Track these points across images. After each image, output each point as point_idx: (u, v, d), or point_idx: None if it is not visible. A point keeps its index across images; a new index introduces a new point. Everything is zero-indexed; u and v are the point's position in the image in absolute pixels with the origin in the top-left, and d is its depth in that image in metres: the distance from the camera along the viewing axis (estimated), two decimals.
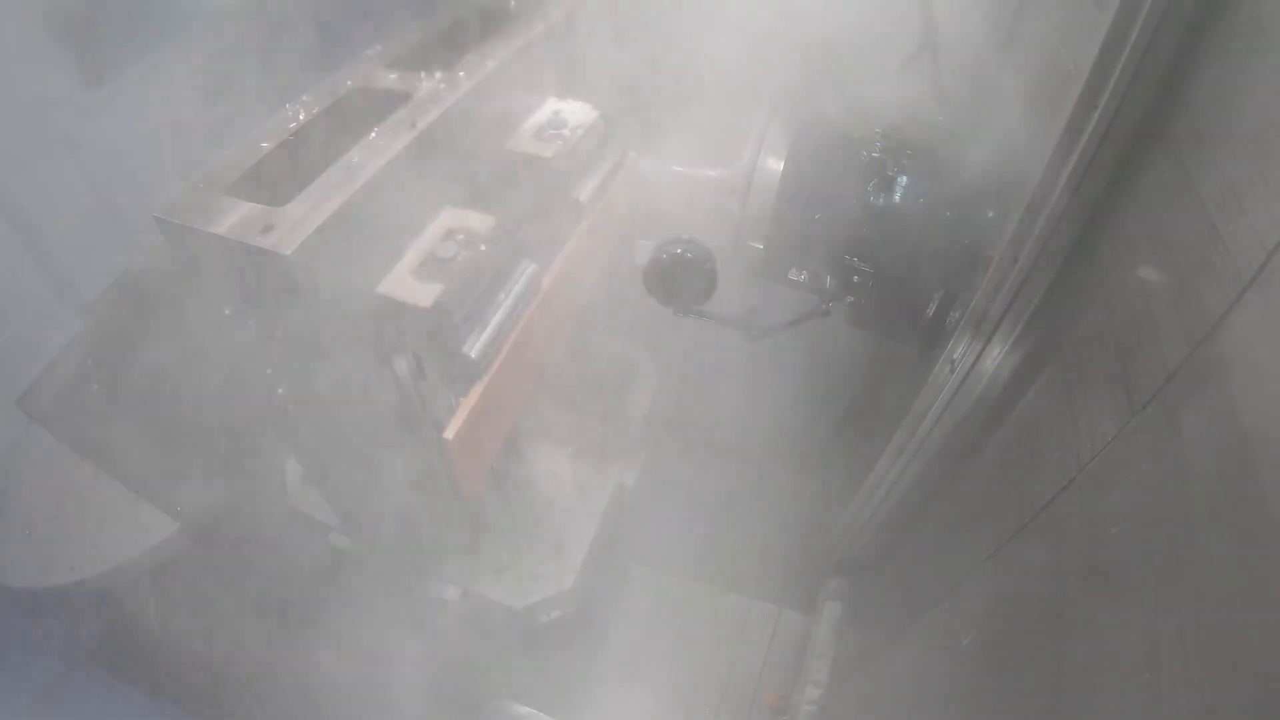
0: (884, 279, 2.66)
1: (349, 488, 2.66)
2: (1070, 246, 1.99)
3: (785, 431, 5.10)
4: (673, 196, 2.88)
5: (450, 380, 2.27)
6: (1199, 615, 1.23)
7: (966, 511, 2.55)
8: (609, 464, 3.58)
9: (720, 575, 4.68)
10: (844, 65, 3.51)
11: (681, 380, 4.64)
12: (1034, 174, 2.00)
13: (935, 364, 2.65)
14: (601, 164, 2.69)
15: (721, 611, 4.57)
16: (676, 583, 4.65)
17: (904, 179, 2.58)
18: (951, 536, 2.67)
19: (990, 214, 2.49)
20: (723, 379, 4.92)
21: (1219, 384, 1.32)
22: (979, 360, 2.40)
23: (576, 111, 2.64)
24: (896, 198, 2.58)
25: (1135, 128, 1.75)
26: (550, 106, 2.67)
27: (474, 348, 2.08)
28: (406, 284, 2.00)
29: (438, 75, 2.23)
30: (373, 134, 1.97)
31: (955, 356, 2.49)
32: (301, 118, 2.06)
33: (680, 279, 2.71)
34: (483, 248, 2.08)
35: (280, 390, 2.17)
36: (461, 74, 2.24)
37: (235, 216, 1.72)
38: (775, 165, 2.66)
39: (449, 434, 2.10)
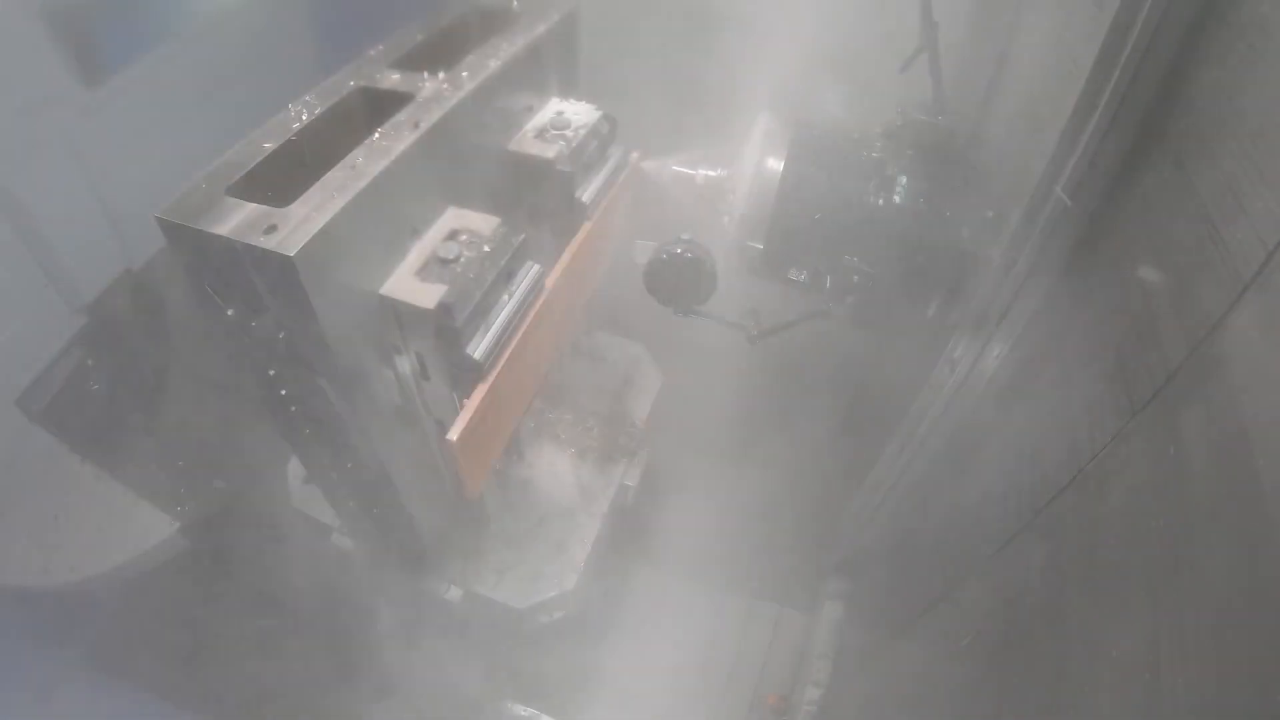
0: (884, 279, 2.66)
1: (352, 489, 2.65)
2: (1070, 246, 1.99)
3: (786, 431, 5.11)
4: (673, 196, 2.88)
5: (454, 381, 2.26)
6: (1199, 615, 1.23)
7: (967, 511, 2.55)
8: (611, 464, 3.58)
9: (721, 575, 4.68)
10: (844, 65, 3.52)
11: (683, 380, 4.64)
12: (1034, 174, 2.01)
13: (935, 364, 2.66)
14: (604, 164, 2.69)
15: (722, 611, 4.57)
16: (677, 583, 4.65)
17: (904, 179, 2.58)
18: (952, 536, 2.67)
19: (990, 214, 2.49)
20: (724, 379, 4.93)
21: (1219, 384, 1.32)
22: (979, 360, 2.41)
23: (579, 112, 2.64)
24: (896, 197, 2.58)
25: (1135, 128, 1.75)
26: (553, 107, 2.67)
27: (478, 348, 2.07)
28: (410, 285, 1.99)
29: (441, 75, 2.22)
30: (376, 134, 1.96)
31: (955, 356, 2.50)
32: (304, 118, 2.05)
33: (680, 279, 2.71)
34: (486, 248, 2.07)
35: (283, 391, 2.17)
36: (464, 74, 2.23)
37: (238, 217, 1.70)
38: (775, 165, 2.66)
39: (453, 435, 2.09)
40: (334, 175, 1.82)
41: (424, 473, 2.61)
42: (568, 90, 2.78)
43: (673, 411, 4.67)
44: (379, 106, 2.14)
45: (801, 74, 3.54)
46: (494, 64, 2.30)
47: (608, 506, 3.42)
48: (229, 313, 1.89)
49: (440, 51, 2.43)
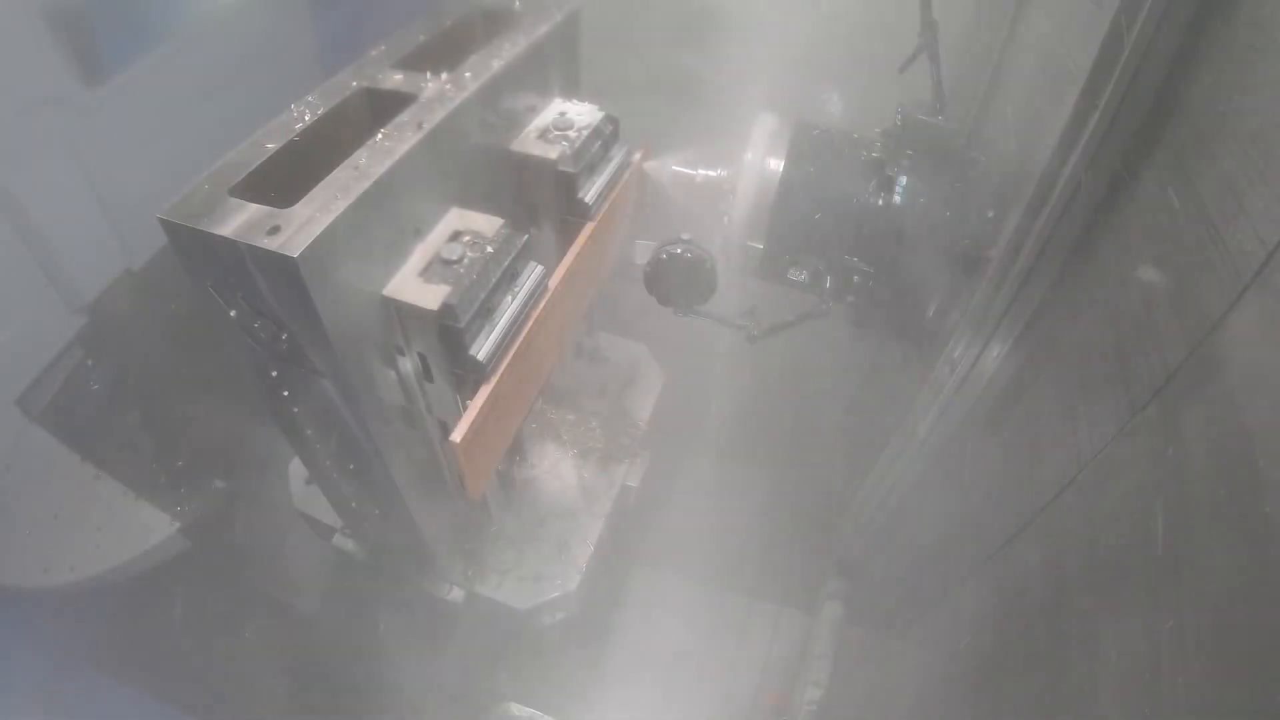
0: (884, 279, 2.66)
1: (354, 490, 2.65)
2: (1070, 246, 1.99)
3: (786, 431, 5.11)
4: (672, 196, 2.88)
5: (457, 382, 2.26)
6: (1199, 616, 1.23)
7: (967, 512, 2.55)
8: (614, 465, 3.58)
9: (721, 575, 4.69)
10: (843, 65, 3.52)
11: (685, 381, 4.64)
12: (1033, 174, 2.01)
13: (935, 364, 2.66)
14: (607, 165, 2.69)
15: (722, 611, 4.58)
16: (678, 583, 4.65)
17: (904, 179, 2.58)
18: (952, 536, 2.67)
19: (990, 214, 2.50)
20: (725, 379, 4.93)
21: (1219, 384, 1.32)
22: (979, 360, 2.41)
23: (582, 112, 2.64)
24: (896, 198, 2.57)
25: (1135, 127, 1.75)
26: (556, 107, 2.67)
27: (481, 350, 2.07)
28: (413, 286, 1.99)
29: (443, 76, 2.22)
30: (379, 135, 1.96)
31: (955, 356, 2.50)
32: (307, 118, 2.04)
33: (680, 279, 2.71)
34: (489, 249, 2.07)
35: (286, 393, 2.17)
36: (467, 75, 2.23)
37: (241, 218, 1.70)
38: (775, 165, 2.66)
39: (456, 436, 2.09)
40: (337, 176, 1.81)
41: (426, 474, 2.60)
42: (570, 91, 2.78)
43: (675, 412, 4.68)
44: (382, 107, 2.14)
45: (801, 74, 3.55)
46: (497, 64, 2.30)
47: (610, 507, 3.42)
48: (231, 314, 1.88)
49: (443, 52, 2.43)
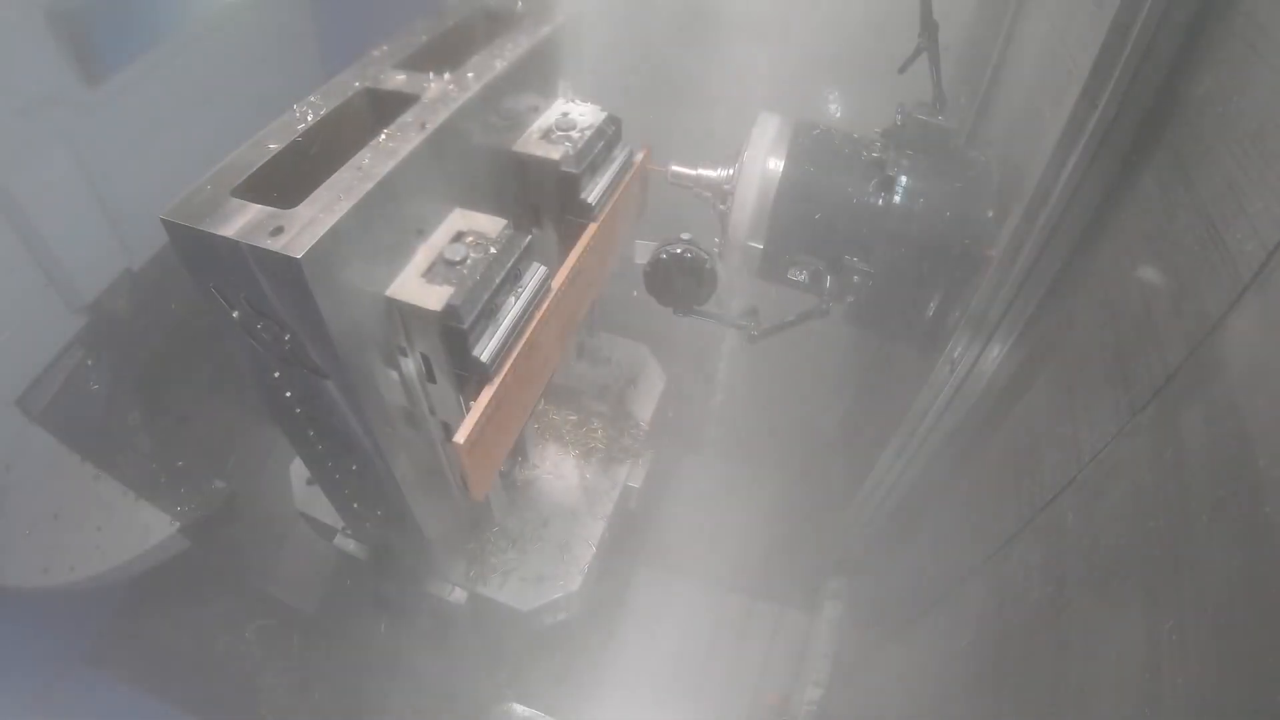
0: (884, 279, 2.66)
1: (356, 491, 2.65)
2: (1070, 246, 1.99)
3: (786, 431, 5.12)
4: (673, 196, 2.88)
5: (460, 384, 2.26)
6: (1199, 616, 1.24)
7: (966, 511, 2.56)
8: (615, 466, 3.58)
9: (722, 575, 4.69)
10: (843, 65, 3.52)
11: (686, 381, 4.65)
12: (1033, 174, 2.01)
13: (935, 364, 2.66)
14: (610, 165, 2.69)
15: (723, 611, 4.58)
16: (680, 583, 4.66)
17: (904, 179, 2.58)
18: (951, 536, 2.67)
19: (990, 213, 2.50)
20: (725, 379, 4.94)
21: (1219, 384, 1.33)
22: (979, 360, 2.42)
23: (585, 113, 2.64)
24: (896, 198, 2.57)
25: (1135, 127, 1.75)
26: (559, 108, 2.67)
27: (484, 351, 2.06)
28: (416, 287, 1.98)
29: (446, 76, 2.22)
30: (382, 135, 1.96)
31: (955, 356, 2.50)
32: (309, 119, 2.04)
33: (680, 279, 2.71)
34: (492, 250, 2.07)
35: (288, 393, 2.16)
36: (470, 75, 2.23)
37: (244, 219, 1.69)
38: (775, 165, 2.66)
39: (459, 438, 2.08)
40: (340, 176, 1.81)
41: (429, 475, 2.60)
42: (573, 91, 2.78)
43: (676, 412, 4.68)
44: (384, 107, 2.13)
45: (802, 74, 3.55)
46: (499, 65, 2.30)
47: (612, 508, 3.42)
48: (234, 315, 1.87)
49: (445, 52, 2.43)
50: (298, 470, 3.35)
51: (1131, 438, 1.58)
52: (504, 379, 2.16)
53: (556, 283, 2.33)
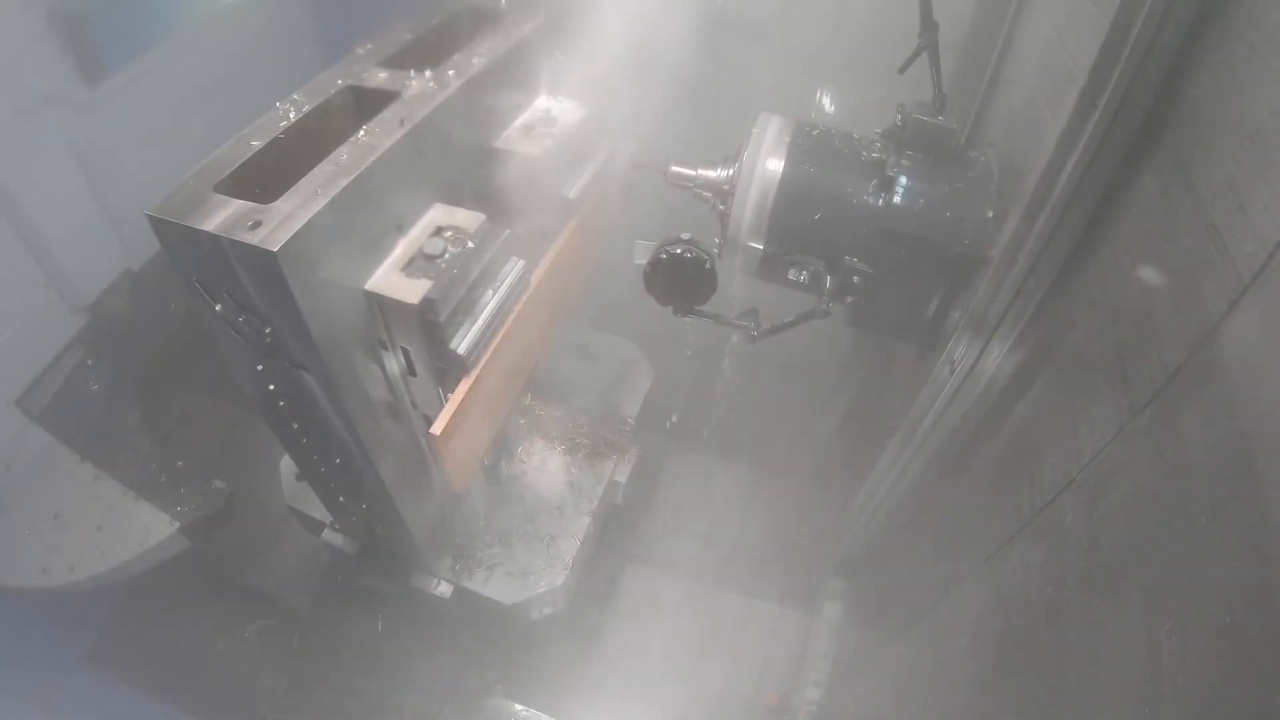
0: (884, 279, 2.63)
1: (341, 484, 2.66)
2: (1069, 247, 1.97)
3: (785, 430, 5.10)
4: (672, 196, 2.87)
5: (439, 376, 2.27)
6: (1199, 617, 1.22)
7: (966, 512, 2.54)
8: (601, 461, 3.59)
9: (720, 574, 4.68)
10: (843, 65, 3.50)
11: (680, 378, 4.64)
12: (1033, 174, 1.99)
13: (935, 364, 2.64)
14: (591, 161, 2.69)
15: (721, 611, 4.57)
16: (675, 581, 4.65)
17: (904, 179, 2.55)
18: (951, 536, 2.65)
19: (990, 214, 2.47)
20: (721, 377, 4.92)
21: (1219, 385, 1.31)
22: (979, 361, 2.39)
23: (566, 110, 2.64)
24: (896, 198, 2.55)
25: (1135, 128, 1.73)
26: (540, 105, 2.67)
27: (462, 344, 2.10)
28: (394, 280, 2.02)
29: (427, 74, 2.23)
30: (361, 132, 1.97)
31: (955, 357, 2.48)
32: (292, 116, 2.07)
33: (680, 280, 2.69)
34: (471, 244, 2.09)
35: (271, 386, 2.17)
36: (451, 73, 2.24)
37: (225, 213, 1.73)
38: (775, 165, 2.64)
39: (436, 429, 2.11)
40: (318, 172, 1.85)
41: (412, 468, 2.62)
42: (556, 88, 2.78)
43: (670, 410, 4.68)
44: (366, 104, 2.17)
45: (802, 74, 3.53)
46: (480, 62, 2.33)
47: (598, 503, 3.44)
48: (217, 308, 1.90)
49: (428, 50, 2.45)
50: (287, 466, 3.36)
51: (1131, 438, 1.56)
52: (482, 372, 2.18)
53: (536, 278, 2.34)
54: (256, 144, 1.96)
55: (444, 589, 3.17)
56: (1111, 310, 1.76)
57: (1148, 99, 1.69)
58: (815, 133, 2.74)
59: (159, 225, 1.75)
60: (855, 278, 2.65)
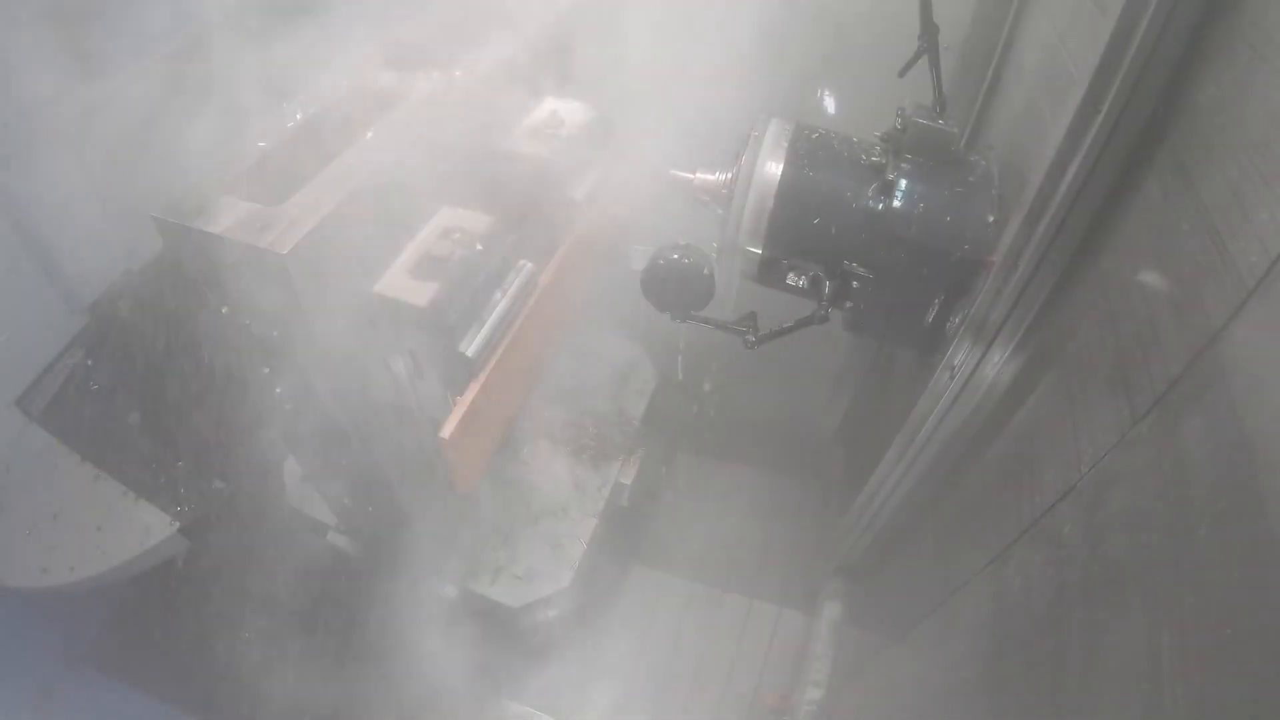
0: (883, 285, 2.61)
1: (347, 486, 2.65)
2: (1071, 253, 1.97)
3: (787, 430, 5.10)
4: (669, 200, 2.86)
5: (447, 378, 2.27)
6: (1201, 627, 1.21)
7: (966, 517, 2.53)
8: (607, 463, 3.58)
9: (721, 575, 4.68)
10: (843, 68, 3.48)
11: (682, 379, 4.63)
12: (1035, 179, 1.98)
13: (935, 369, 2.63)
14: (598, 163, 2.69)
15: (721, 611, 4.56)
16: (676, 582, 4.65)
17: (904, 183, 2.53)
18: (951, 541, 2.65)
19: (990, 218, 2.45)
20: (723, 378, 4.91)
21: (1221, 393, 1.30)
22: (979, 366, 2.38)
23: (573, 111, 2.64)
24: (896, 202, 2.52)
25: (1138, 133, 1.72)
26: (547, 106, 2.67)
27: (470, 346, 2.09)
28: (403, 283, 2.01)
29: (434, 75, 2.23)
30: (369, 134, 1.97)
31: (955, 363, 2.47)
32: (299, 117, 2.06)
33: (677, 286, 2.66)
34: (479, 247, 2.09)
35: (278, 389, 2.17)
36: (458, 74, 2.24)
37: (233, 216, 1.72)
38: (774, 168, 2.61)
39: (444, 432, 2.11)
40: (327, 174, 1.84)
41: (418, 471, 2.61)
42: (562, 90, 2.78)
43: (673, 410, 4.66)
44: (373, 106, 2.15)
45: (801, 76, 3.51)
46: (487, 64, 2.31)
47: (603, 505, 3.43)
48: (223, 311, 1.89)
49: (434, 51, 2.43)
50: (291, 467, 3.35)
51: (1132, 446, 1.55)
52: (490, 374, 2.18)
53: (544, 279, 2.34)
54: (263, 145, 1.97)
55: (450, 591, 3.17)
56: (1112, 317, 1.75)
57: (1150, 104, 1.68)
58: (814, 136, 2.71)
59: (165, 227, 1.75)
60: (854, 283, 2.63)
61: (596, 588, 3.83)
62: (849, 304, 2.72)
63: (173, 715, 4.17)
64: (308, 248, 1.69)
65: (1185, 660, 1.22)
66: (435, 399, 2.34)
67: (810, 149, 2.65)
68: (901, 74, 2.60)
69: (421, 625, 3.71)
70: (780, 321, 2.77)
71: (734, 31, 2.82)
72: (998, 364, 2.34)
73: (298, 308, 1.77)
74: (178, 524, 4.15)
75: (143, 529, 4.08)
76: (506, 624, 3.27)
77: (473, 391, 2.16)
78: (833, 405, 4.85)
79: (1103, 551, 1.58)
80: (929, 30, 2.50)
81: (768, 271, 2.75)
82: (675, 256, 2.64)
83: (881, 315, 2.75)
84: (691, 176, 2.77)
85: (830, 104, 3.79)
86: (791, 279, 2.71)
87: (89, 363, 4.12)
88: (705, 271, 2.65)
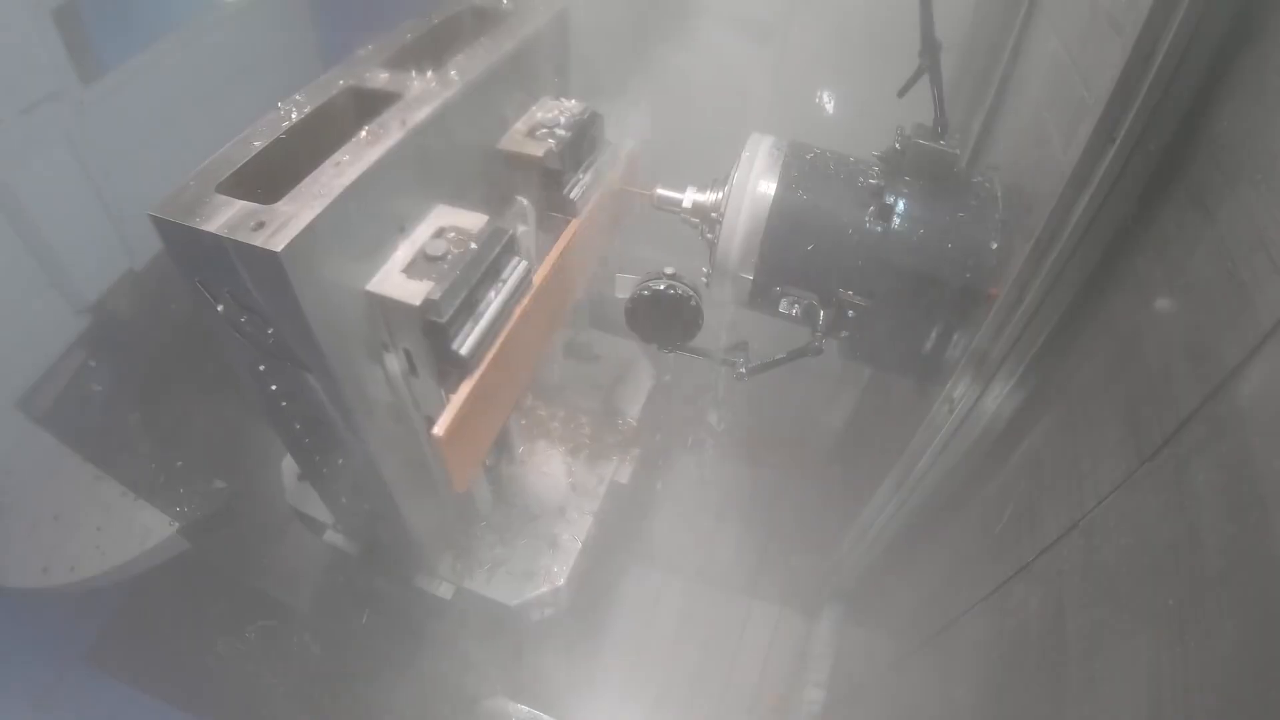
0: (880, 314, 2.51)
1: (343, 485, 2.66)
2: (1079, 286, 1.90)
3: (787, 431, 5.08)
4: (656, 223, 2.80)
5: (441, 377, 2.28)
6: (1205, 680, 1.18)
7: (964, 549, 2.49)
8: (603, 462, 3.59)
9: (720, 575, 4.69)
10: (841, 85, 3.42)
11: (680, 379, 4.62)
12: (1044, 209, 1.91)
13: (934, 398, 2.55)
14: (593, 162, 2.69)
15: (722, 611, 4.56)
16: (676, 582, 4.65)
17: (903, 207, 2.43)
18: (948, 574, 2.61)
19: (994, 245, 2.35)
20: (722, 380, 4.88)
21: (1233, 437, 1.26)
22: (979, 400, 2.31)
23: (568, 110, 2.63)
24: (894, 227, 2.42)
25: (1155, 163, 1.65)
26: (543, 105, 2.67)
27: (464, 345, 2.11)
28: (397, 281, 2.03)
29: (429, 74, 2.25)
30: (363, 132, 1.98)
31: (955, 396, 2.39)
32: (294, 116, 2.09)
33: (663, 317, 2.59)
34: (473, 246, 2.10)
35: (273, 387, 2.19)
36: (453, 73, 2.25)
37: (227, 214, 1.74)
38: (766, 189, 2.51)
39: (439, 430, 2.13)
40: (320, 173, 1.86)
41: (414, 469, 2.62)
42: (558, 89, 2.79)
43: (675, 411, 4.65)
44: (368, 105, 2.18)
45: (797, 94, 3.45)
46: (483, 63, 2.34)
47: (599, 504, 3.44)
48: (219, 309, 1.92)
49: (430, 50, 2.46)
50: (289, 466, 3.36)
51: (1139, 486, 1.51)
52: (484, 373, 2.20)
53: (538, 278, 2.34)
54: (259, 144, 1.98)
55: (446, 589, 3.18)
56: (1121, 354, 1.71)
57: (1169, 134, 1.61)
58: (809, 156, 2.61)
59: (161, 225, 1.77)
60: (850, 311, 2.53)
61: (594, 587, 3.84)
62: (844, 333, 2.62)
63: (173, 715, 4.16)
64: (302, 246, 1.70)
65: (1189, 710, 1.20)
66: (430, 397, 2.35)
67: (805, 170, 2.55)
68: (901, 94, 2.50)
69: (417, 623, 3.70)
70: (773, 352, 2.70)
71: (730, 44, 2.77)
72: (999, 398, 2.26)
73: (292, 306, 1.78)
74: (178, 524, 4.16)
75: (143, 529, 4.11)
76: (503, 622, 3.27)
77: (467, 390, 2.18)
78: (835, 400, 4.80)
79: (1104, 593, 1.56)
80: (930, 47, 2.40)
81: (760, 298, 2.65)
82: (661, 287, 2.56)
83: (878, 344, 2.66)
84: (681, 196, 2.69)
85: (827, 121, 3.66)
86: (784, 306, 2.61)
87: (91, 364, 4.15)
88: (693, 302, 2.57)
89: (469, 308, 2.10)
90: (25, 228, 3.63)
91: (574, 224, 2.59)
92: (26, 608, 4.02)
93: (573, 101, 2.68)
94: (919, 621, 2.75)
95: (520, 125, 2.59)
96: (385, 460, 2.39)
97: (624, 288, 2.60)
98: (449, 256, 2.07)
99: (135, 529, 4.10)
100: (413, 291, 1.99)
